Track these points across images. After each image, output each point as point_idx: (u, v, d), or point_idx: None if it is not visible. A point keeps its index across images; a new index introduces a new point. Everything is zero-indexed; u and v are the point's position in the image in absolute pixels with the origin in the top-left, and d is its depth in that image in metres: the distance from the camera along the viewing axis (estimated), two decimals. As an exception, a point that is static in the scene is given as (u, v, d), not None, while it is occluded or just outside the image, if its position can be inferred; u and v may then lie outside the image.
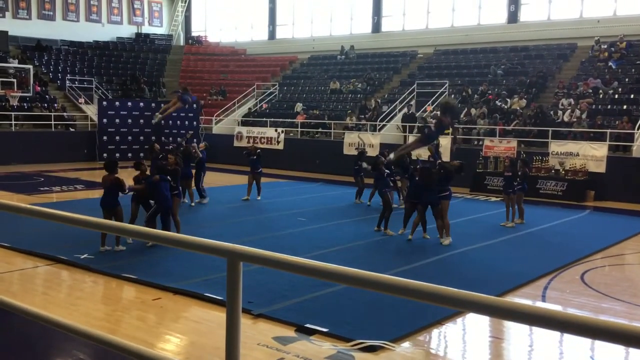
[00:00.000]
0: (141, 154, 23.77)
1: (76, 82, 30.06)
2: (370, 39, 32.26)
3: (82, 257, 9.92)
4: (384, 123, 24.05)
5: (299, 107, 27.34)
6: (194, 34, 39.82)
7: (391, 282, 2.04)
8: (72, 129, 27.45)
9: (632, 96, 21.07)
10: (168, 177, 11.09)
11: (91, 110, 28.48)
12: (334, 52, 32.41)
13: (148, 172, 11.60)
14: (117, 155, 25.88)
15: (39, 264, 9.74)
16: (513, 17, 28.08)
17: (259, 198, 16.67)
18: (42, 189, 18.41)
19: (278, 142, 25.76)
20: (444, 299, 1.94)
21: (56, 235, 10.94)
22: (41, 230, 11.15)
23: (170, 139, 26.87)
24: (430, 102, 24.53)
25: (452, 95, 24.98)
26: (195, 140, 18.19)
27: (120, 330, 6.91)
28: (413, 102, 25.00)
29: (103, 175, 10.72)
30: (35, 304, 7.54)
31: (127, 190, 10.74)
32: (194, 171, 15.80)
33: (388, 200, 12.36)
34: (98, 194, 17.81)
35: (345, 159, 23.31)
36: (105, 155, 26.05)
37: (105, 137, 26.65)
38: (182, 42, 39.20)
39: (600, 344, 6.40)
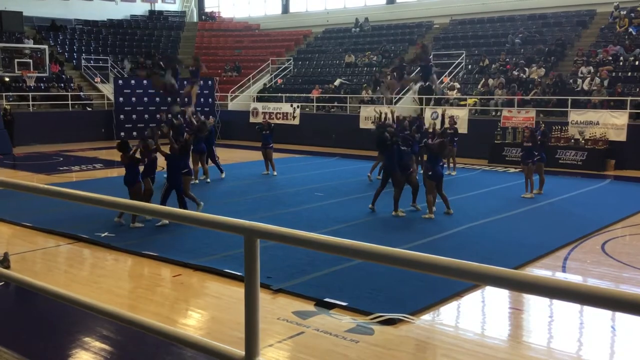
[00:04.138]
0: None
1: (92, 62, 30.14)
2: (384, 11, 31.86)
3: (103, 235, 10.04)
4: (400, 96, 23.85)
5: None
6: (207, 9, 39.61)
7: (409, 257, 2.03)
8: (89, 109, 27.60)
9: (653, 62, 20.67)
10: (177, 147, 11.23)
11: (107, 89, 28.59)
12: (348, 24, 32.08)
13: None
14: (134, 133, 26.03)
15: (61, 243, 9.88)
16: (530, -16, 27.56)
17: (275, 174, 16.74)
18: (61, 168, 18.60)
19: (294, 117, 25.70)
20: (461, 272, 1.93)
21: (77, 214, 11.08)
22: (62, 209, 11.29)
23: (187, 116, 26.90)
24: (447, 73, 24.27)
25: (469, 66, 24.70)
26: (203, 116, 18.29)
27: (142, 307, 7.01)
28: (429, 74, 24.71)
29: (120, 156, 10.94)
30: (58, 282, 7.68)
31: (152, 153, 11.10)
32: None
33: (399, 179, 11.72)
34: (117, 172, 18.00)
35: (361, 133, 23.23)
36: (122, 133, 26.23)
37: (122, 116, 26.76)
38: (195, 19, 39.03)
39: (621, 314, 6.38)
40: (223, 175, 16.18)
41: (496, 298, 7.44)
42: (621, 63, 21.16)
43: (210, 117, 18.76)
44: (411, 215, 11.79)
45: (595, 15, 25.11)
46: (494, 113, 21.30)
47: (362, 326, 6.39)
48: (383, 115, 15.25)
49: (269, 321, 6.42)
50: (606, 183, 16.05)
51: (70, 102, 26.84)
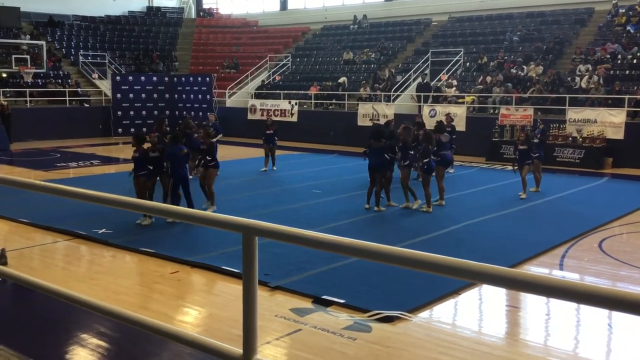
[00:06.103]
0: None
1: (89, 58, 30.08)
2: (383, 8, 31.86)
3: (101, 231, 10.03)
4: (398, 93, 23.85)
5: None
6: (205, 6, 39.57)
7: (406, 255, 2.03)
8: (86, 105, 27.54)
9: (651, 61, 20.68)
10: (184, 148, 11.02)
11: (105, 86, 28.53)
12: (346, 22, 32.06)
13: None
14: (132, 130, 25.96)
15: (58, 239, 9.87)
16: (529, -19, 27.56)
17: (275, 168, 16.86)
18: (58, 164, 18.56)
19: (292, 115, 25.68)
20: (459, 271, 1.93)
21: (74, 211, 11.05)
22: (59, 205, 11.26)
23: (184, 113, 26.93)
24: (445, 70, 24.27)
25: (467, 64, 24.70)
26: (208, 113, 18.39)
27: (140, 304, 7.00)
28: (427, 72, 24.74)
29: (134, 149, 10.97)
30: (55, 279, 7.66)
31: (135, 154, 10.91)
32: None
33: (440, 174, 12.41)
34: (114, 169, 17.99)
35: (359, 130, 23.22)
36: (120, 130, 26.20)
37: (119, 112, 26.71)
38: (193, 15, 38.97)
39: (618, 312, 6.38)
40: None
41: (493, 296, 7.45)
42: (619, 61, 21.17)
43: (209, 113, 18.76)
44: (409, 212, 11.80)
45: (593, 13, 25.12)
46: (492, 111, 21.31)
47: (360, 323, 6.39)
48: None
49: (267, 318, 6.42)
50: (604, 181, 16.07)
51: (67, 98, 26.77)
